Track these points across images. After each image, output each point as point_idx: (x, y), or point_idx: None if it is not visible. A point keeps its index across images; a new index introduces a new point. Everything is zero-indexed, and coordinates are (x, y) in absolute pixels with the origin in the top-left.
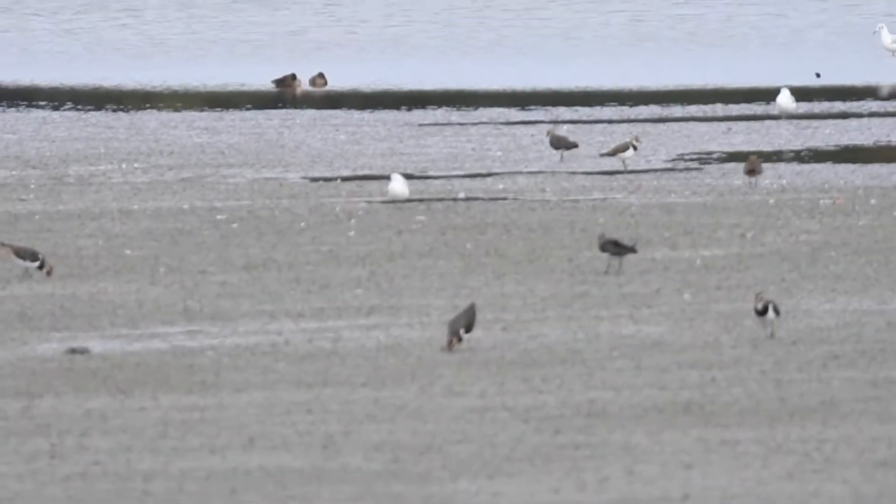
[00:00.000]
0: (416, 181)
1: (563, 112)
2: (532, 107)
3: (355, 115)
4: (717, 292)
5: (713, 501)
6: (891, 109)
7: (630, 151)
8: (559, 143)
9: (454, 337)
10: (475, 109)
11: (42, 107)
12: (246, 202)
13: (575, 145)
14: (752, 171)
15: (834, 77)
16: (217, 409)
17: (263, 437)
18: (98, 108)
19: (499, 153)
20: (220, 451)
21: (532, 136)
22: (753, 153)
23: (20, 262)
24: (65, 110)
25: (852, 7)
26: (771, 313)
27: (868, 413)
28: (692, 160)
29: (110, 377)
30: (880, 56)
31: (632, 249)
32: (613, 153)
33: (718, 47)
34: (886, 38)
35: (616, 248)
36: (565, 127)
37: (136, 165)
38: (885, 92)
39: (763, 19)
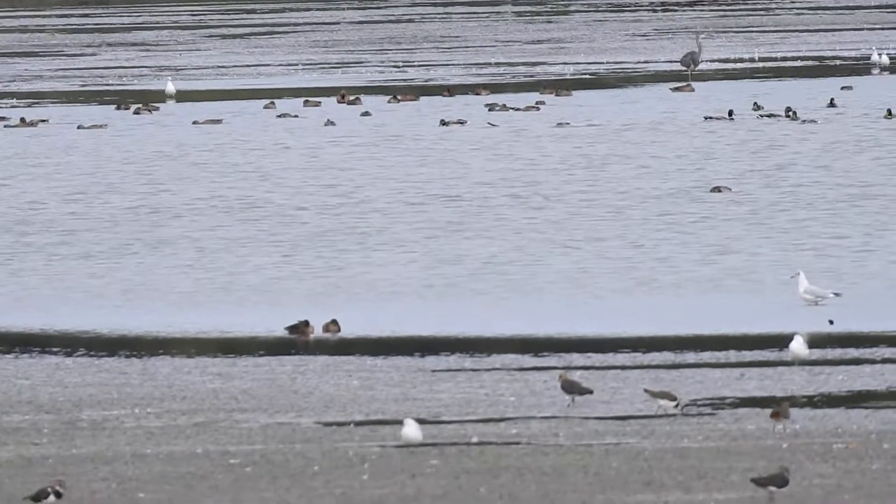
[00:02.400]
0: (429, 426)
1: (576, 358)
2: (544, 353)
3: (368, 360)
4: None
5: None
6: None
7: (673, 403)
8: (571, 389)
9: None
10: (488, 356)
11: (55, 353)
12: (259, 446)
13: (589, 391)
14: (776, 415)
15: (847, 323)
16: None
17: None
18: (111, 354)
19: (511, 398)
20: None
21: (545, 381)
22: (785, 399)
23: None
24: (78, 356)
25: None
26: None
27: None
28: (705, 405)
29: None
30: (796, 304)
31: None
32: (658, 397)
33: (733, 292)
34: (802, 285)
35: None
36: (578, 373)
37: (148, 410)
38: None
39: (781, 260)
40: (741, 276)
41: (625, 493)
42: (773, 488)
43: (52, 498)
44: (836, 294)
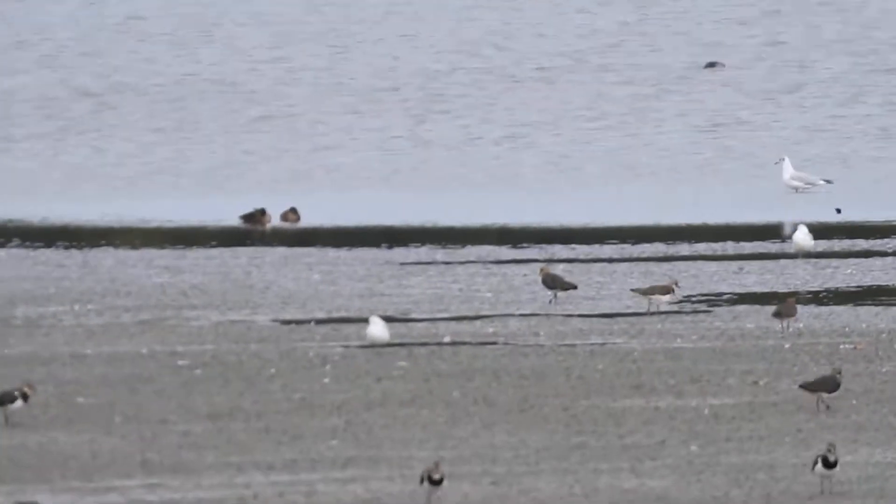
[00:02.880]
0: (397, 324)
1: (559, 250)
2: (524, 244)
3: (331, 252)
4: (727, 444)
5: None
6: None
7: (668, 296)
8: (553, 283)
9: None
10: (462, 247)
11: None
12: (210, 347)
13: (573, 286)
14: (779, 314)
15: (856, 213)
16: None
17: None
18: (48, 246)
19: (488, 294)
20: None
21: (525, 275)
22: (789, 295)
23: None
24: (11, 247)
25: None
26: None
27: None
28: (700, 302)
29: None
30: (781, 192)
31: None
32: (649, 293)
33: (731, 180)
34: (788, 171)
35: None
36: (561, 266)
37: (89, 307)
38: (788, 231)
39: (784, 149)
40: (739, 160)
41: (611, 397)
42: (824, 394)
43: (19, 402)
44: (827, 181)
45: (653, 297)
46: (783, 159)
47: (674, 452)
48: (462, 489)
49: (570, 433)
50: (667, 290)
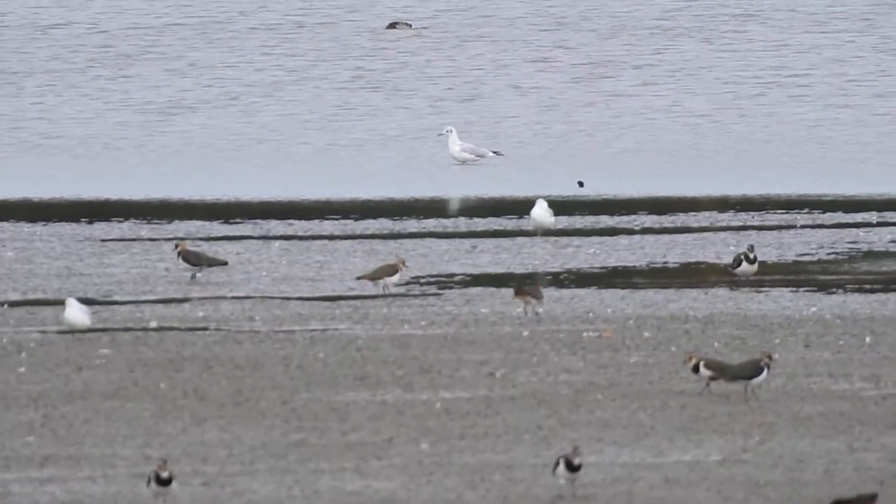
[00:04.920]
0: (98, 307)
1: (276, 226)
2: (237, 220)
3: (25, 227)
4: (461, 442)
5: None
6: (667, 225)
7: (397, 276)
8: (198, 260)
9: None
10: (169, 222)
11: None
12: None
13: (220, 263)
14: (522, 293)
15: (600, 187)
16: None
17: None
18: None
19: (198, 274)
20: None
21: (238, 254)
22: (528, 276)
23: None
24: None
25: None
26: (562, 468)
27: None
28: (430, 284)
29: None
30: (447, 164)
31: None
32: (376, 277)
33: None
34: (455, 144)
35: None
36: (277, 244)
37: None
38: (453, 206)
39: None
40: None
41: (333, 389)
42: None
43: None
44: (497, 153)
45: (381, 280)
46: (450, 130)
47: (402, 451)
48: (172, 489)
49: (289, 429)
50: (394, 270)
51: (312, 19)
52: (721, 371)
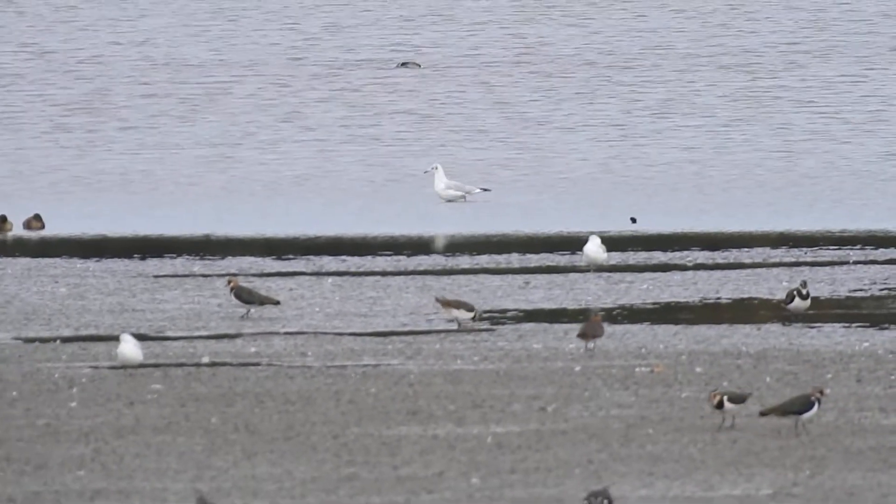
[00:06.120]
0: (150, 343)
1: (328, 262)
2: (290, 255)
3: (78, 264)
4: (512, 476)
5: None
6: (720, 261)
7: (470, 315)
8: (250, 298)
9: None
10: (222, 258)
11: None
12: None
13: (273, 302)
14: (584, 336)
15: (653, 223)
16: None
17: None
18: None
19: (253, 311)
20: None
21: (291, 289)
22: (589, 311)
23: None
24: None
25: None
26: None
27: None
28: (482, 319)
29: None
30: (433, 202)
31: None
32: (453, 305)
33: (514, 191)
34: (440, 182)
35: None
36: (330, 280)
37: None
38: (439, 245)
39: (571, 162)
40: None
41: (385, 424)
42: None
43: None
44: (485, 189)
45: (455, 311)
46: (436, 167)
47: (453, 485)
48: None
49: (340, 463)
50: (470, 308)
51: (359, 56)
52: (743, 400)
